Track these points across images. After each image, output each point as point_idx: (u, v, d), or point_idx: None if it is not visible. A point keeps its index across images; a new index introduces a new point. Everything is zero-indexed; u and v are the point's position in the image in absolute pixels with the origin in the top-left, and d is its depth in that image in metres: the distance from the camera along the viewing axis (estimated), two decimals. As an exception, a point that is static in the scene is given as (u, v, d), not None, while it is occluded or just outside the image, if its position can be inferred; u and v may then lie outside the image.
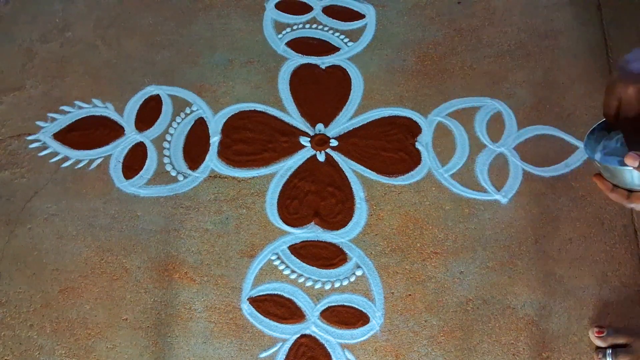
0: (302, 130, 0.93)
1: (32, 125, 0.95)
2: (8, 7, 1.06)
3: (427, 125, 0.92)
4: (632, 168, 0.52)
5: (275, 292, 0.82)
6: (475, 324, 0.79)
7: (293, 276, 0.82)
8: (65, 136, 0.94)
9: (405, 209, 0.86)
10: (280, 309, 0.81)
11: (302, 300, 0.81)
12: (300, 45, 1.00)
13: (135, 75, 0.98)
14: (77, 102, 0.96)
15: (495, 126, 0.92)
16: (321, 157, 0.91)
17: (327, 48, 1.00)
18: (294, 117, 0.94)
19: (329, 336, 0.79)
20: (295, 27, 1.02)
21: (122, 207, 0.88)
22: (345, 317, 0.80)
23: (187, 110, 0.95)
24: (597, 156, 0.59)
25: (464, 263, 0.82)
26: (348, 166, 0.90)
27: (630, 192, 0.56)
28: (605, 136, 0.60)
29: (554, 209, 0.85)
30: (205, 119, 0.94)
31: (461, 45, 0.99)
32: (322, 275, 0.83)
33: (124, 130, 0.94)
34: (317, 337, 0.79)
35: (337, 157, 0.91)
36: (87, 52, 1.01)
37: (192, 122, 0.94)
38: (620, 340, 0.74)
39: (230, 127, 0.94)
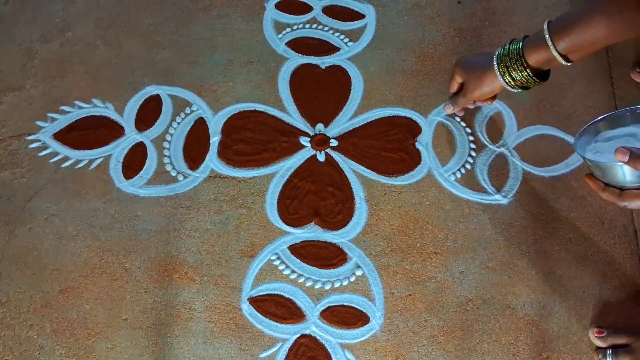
0: (302, 130, 0.93)
1: (32, 125, 0.95)
2: (8, 7, 1.06)
3: (427, 125, 0.92)
4: (622, 164, 0.53)
5: (275, 292, 0.82)
6: (475, 324, 0.79)
7: (293, 276, 0.82)
8: (65, 136, 0.94)
9: (405, 209, 0.86)
10: (280, 309, 0.81)
11: (302, 300, 0.81)
12: (300, 45, 1.00)
13: (135, 75, 0.98)
14: (77, 102, 0.96)
15: (495, 126, 0.92)
16: (321, 157, 0.91)
17: (327, 48, 1.00)
18: (294, 117, 0.94)
19: (329, 336, 0.79)
20: (295, 27, 1.02)
21: (122, 207, 0.88)
22: (345, 317, 0.80)
23: (187, 110, 0.95)
24: (588, 155, 0.60)
25: (464, 263, 0.82)
26: (348, 166, 0.90)
27: (621, 190, 0.57)
28: (596, 136, 0.62)
29: (554, 209, 0.85)
30: (205, 119, 0.94)
31: (461, 45, 0.98)
32: (322, 275, 0.83)
33: (124, 130, 0.94)
34: (317, 337, 0.79)
35: (337, 157, 0.91)
36: (87, 52, 1.01)
37: (192, 122, 0.94)
38: (621, 341, 0.73)
39: (230, 127, 0.94)
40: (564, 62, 0.61)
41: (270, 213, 0.87)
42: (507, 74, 0.66)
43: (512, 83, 0.67)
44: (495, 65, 0.67)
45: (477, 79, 0.71)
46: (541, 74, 0.66)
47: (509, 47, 0.66)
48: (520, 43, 0.65)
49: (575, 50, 0.60)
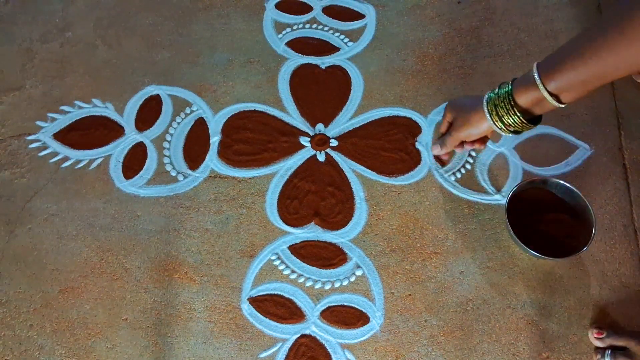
0: (302, 130, 0.93)
1: (32, 125, 0.95)
2: (8, 7, 1.06)
3: (427, 125, 0.92)
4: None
5: (275, 292, 0.82)
6: (475, 324, 0.79)
7: (293, 276, 0.82)
8: (65, 136, 0.94)
9: (405, 209, 0.86)
10: (280, 309, 0.81)
11: (302, 300, 0.81)
12: (300, 45, 1.00)
13: (135, 75, 0.98)
14: (77, 102, 0.96)
15: (495, 126, 0.92)
16: (321, 157, 0.91)
17: (327, 48, 1.00)
18: (294, 117, 0.94)
19: (329, 336, 0.79)
20: (295, 27, 1.02)
21: (122, 207, 0.88)
22: (345, 317, 0.80)
23: (187, 110, 0.95)
24: None
25: (464, 263, 0.82)
26: (348, 166, 0.90)
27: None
28: None
29: (554, 209, 0.85)
30: (205, 119, 0.94)
31: (461, 45, 0.99)
32: (322, 275, 0.83)
33: (124, 130, 0.94)
34: (317, 337, 0.79)
35: (337, 157, 0.91)
36: (87, 52, 1.01)
37: (192, 122, 0.94)
38: (620, 343, 0.73)
39: (230, 127, 0.94)
40: (555, 103, 0.58)
41: (270, 213, 0.87)
42: (494, 114, 0.64)
43: (500, 124, 0.65)
44: (485, 105, 0.65)
45: (465, 118, 0.70)
46: (533, 119, 0.63)
47: (498, 89, 0.64)
48: (510, 84, 0.62)
49: (566, 90, 0.57)
